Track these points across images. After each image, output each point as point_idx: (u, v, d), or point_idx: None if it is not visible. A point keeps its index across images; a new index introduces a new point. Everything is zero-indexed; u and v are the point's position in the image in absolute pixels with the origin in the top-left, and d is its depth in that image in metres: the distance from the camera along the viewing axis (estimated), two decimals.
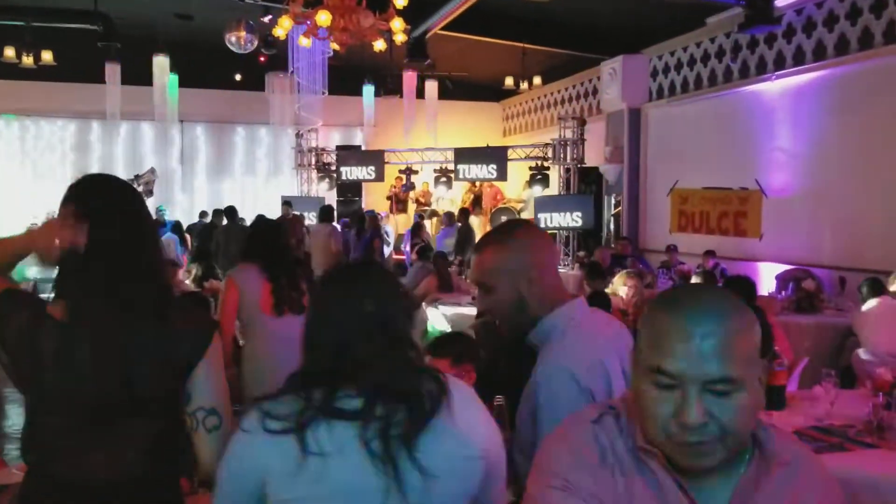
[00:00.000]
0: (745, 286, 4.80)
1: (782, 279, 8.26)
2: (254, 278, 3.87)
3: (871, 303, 5.65)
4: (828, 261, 8.34)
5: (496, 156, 14.02)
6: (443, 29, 11.28)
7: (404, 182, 14.90)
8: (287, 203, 12.96)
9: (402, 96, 13.66)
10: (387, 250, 12.33)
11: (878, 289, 5.77)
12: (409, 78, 13.27)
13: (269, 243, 3.99)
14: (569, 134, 13.26)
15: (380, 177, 14.89)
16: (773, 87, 9.71)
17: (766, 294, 7.64)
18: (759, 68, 9.96)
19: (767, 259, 9.38)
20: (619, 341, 1.96)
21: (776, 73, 9.60)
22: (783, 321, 6.17)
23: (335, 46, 7.56)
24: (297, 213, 12.60)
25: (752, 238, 9.68)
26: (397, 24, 6.91)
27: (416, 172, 14.97)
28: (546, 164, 13.51)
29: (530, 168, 13.67)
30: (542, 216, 12.42)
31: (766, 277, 8.75)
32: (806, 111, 9.23)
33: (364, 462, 1.49)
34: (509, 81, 14.49)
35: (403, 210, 15.54)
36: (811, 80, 9.18)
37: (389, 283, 1.70)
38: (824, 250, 8.52)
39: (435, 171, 14.68)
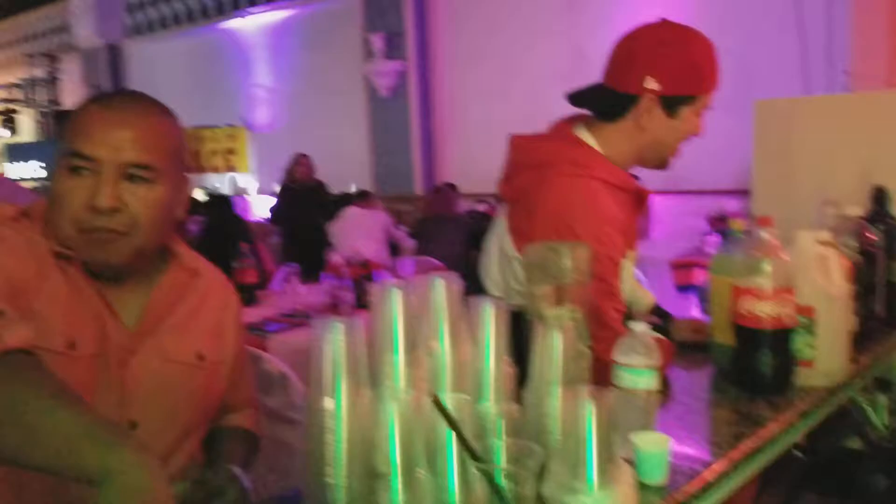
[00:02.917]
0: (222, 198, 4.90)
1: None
2: None
3: (342, 213, 6.18)
4: None
5: None
6: None
7: None
8: None
9: None
10: None
11: (346, 200, 6.37)
12: None
13: None
14: (39, 73, 11.86)
15: None
16: (249, 25, 9.91)
17: (257, 220, 7.92)
18: (234, 4, 10.04)
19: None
20: None
21: (249, 9, 9.79)
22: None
23: None
24: None
25: (243, 173, 9.92)
26: None
27: None
28: (15, 107, 11.90)
29: None
30: (13, 165, 10.97)
31: (259, 207, 9.08)
32: (281, 48, 9.64)
33: None
34: None
35: None
36: (284, 19, 9.58)
37: None
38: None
39: None
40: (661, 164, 1.65)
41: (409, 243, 6.39)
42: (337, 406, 0.88)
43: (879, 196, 1.88)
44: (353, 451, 0.87)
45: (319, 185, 6.96)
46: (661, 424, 1.17)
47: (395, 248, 6.46)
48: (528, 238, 1.46)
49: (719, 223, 5.44)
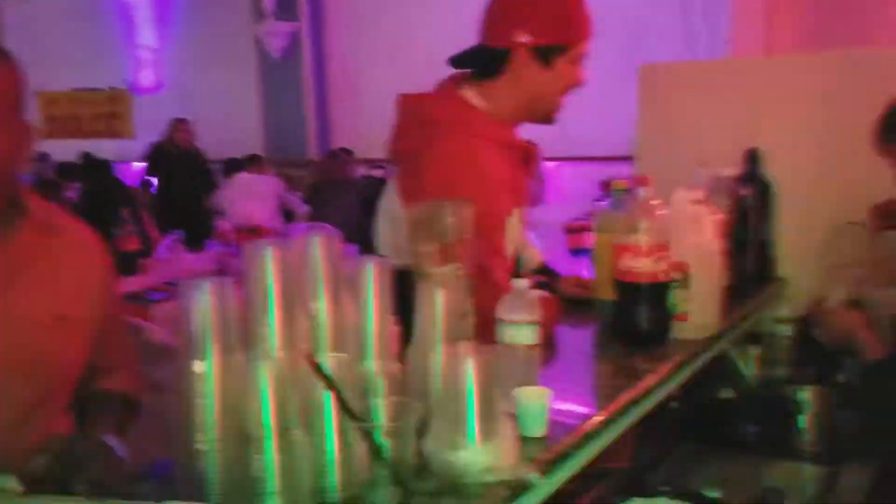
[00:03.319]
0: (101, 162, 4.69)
1: None
2: None
3: (232, 178, 6.02)
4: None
5: None
6: None
7: None
8: None
9: None
10: None
11: (235, 167, 6.20)
12: None
13: None
14: None
15: None
16: None
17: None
18: None
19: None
20: None
21: None
22: None
23: None
24: None
25: (127, 138, 9.47)
26: None
27: None
28: None
29: None
30: None
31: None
32: (166, 8, 9.21)
33: None
34: None
35: None
36: None
37: None
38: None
39: None
40: (547, 119, 1.65)
41: (302, 209, 6.28)
42: (207, 369, 0.84)
43: (752, 157, 1.96)
44: (225, 415, 0.84)
45: (199, 153, 6.71)
46: (545, 379, 1.19)
47: (288, 215, 6.34)
48: (415, 197, 1.44)
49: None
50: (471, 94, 1.62)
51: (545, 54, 1.56)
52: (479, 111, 1.60)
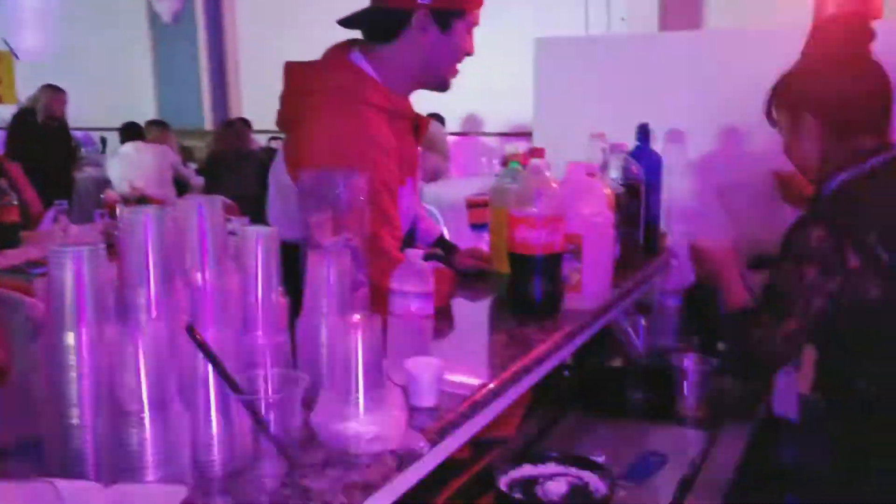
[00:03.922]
0: None
1: None
2: None
3: (122, 147, 5.78)
4: (89, 122, 8.18)
5: None
6: None
7: None
8: None
9: None
10: None
11: (133, 132, 5.97)
12: None
13: None
14: None
15: None
16: None
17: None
18: None
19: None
20: None
21: None
22: None
23: None
24: None
25: (9, 104, 8.91)
26: None
27: None
28: None
29: None
30: None
31: None
32: None
33: None
34: None
35: None
36: None
37: None
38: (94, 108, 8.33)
39: None
40: (441, 85, 1.63)
41: (197, 181, 6.08)
42: (77, 341, 0.80)
43: (643, 132, 2.01)
44: (97, 388, 0.80)
45: (66, 124, 6.36)
46: (439, 350, 1.19)
47: (182, 186, 6.11)
48: (301, 166, 1.41)
49: None
50: (361, 60, 1.58)
51: (444, 17, 1.54)
52: (369, 78, 1.56)
